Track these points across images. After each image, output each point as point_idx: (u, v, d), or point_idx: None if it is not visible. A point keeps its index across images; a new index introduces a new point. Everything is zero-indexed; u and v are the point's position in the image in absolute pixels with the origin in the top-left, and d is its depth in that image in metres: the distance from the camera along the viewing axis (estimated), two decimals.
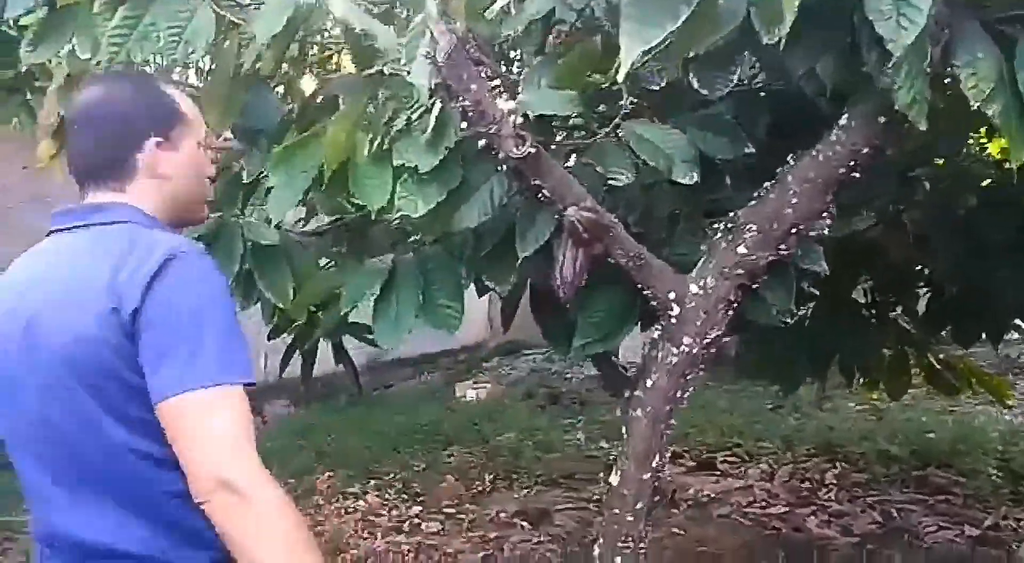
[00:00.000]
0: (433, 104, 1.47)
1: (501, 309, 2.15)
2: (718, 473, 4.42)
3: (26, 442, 1.12)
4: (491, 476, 4.36)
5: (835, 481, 4.20)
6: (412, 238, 2.10)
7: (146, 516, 1.06)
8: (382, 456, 4.72)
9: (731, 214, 1.57)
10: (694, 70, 1.54)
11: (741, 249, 1.53)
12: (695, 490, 4.09)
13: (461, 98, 1.43)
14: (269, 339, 2.40)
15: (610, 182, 1.59)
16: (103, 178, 1.16)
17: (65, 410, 1.05)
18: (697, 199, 1.74)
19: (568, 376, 7.17)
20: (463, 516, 3.81)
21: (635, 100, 1.69)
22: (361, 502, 3.92)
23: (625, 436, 1.78)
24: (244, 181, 1.93)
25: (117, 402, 1.03)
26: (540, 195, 1.55)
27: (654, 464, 1.75)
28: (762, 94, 1.91)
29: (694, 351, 1.63)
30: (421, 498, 4.04)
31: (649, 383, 1.69)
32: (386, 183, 1.48)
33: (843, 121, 1.42)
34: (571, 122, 1.94)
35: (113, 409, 1.03)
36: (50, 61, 1.80)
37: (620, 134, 1.63)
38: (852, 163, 1.42)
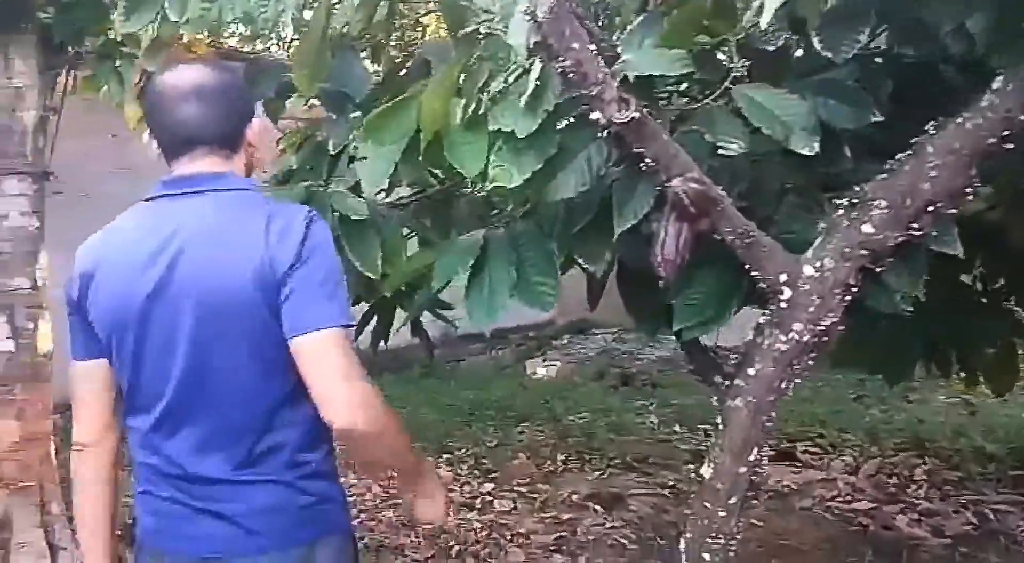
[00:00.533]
0: (532, 65, 1.38)
1: (588, 287, 2.05)
2: (799, 464, 4.24)
3: (143, 372, 1.24)
4: (563, 456, 4.29)
5: (925, 478, 3.97)
6: (495, 211, 2.02)
7: (250, 447, 1.23)
8: (455, 430, 4.71)
9: (856, 188, 1.43)
10: (819, 31, 1.40)
11: (867, 227, 1.39)
12: (775, 480, 3.93)
13: (561, 58, 1.33)
14: None
15: (720, 151, 1.46)
16: (216, 146, 1.29)
17: (204, 344, 1.20)
18: (812, 172, 1.59)
19: (639, 357, 7.02)
20: (535, 495, 3.76)
21: (747, 62, 1.55)
22: None
23: (721, 426, 1.67)
24: (330, 151, 1.88)
25: (257, 340, 1.20)
26: (642, 164, 1.44)
27: (751, 458, 1.64)
28: (878, 60, 1.75)
29: (805, 339, 1.50)
30: (493, 475, 4.00)
31: (752, 371, 1.58)
32: (482, 149, 1.40)
33: (997, 84, 1.26)
34: (670, 87, 1.81)
35: (253, 346, 1.20)
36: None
37: (730, 99, 1.50)
38: (1005, 132, 1.25)
